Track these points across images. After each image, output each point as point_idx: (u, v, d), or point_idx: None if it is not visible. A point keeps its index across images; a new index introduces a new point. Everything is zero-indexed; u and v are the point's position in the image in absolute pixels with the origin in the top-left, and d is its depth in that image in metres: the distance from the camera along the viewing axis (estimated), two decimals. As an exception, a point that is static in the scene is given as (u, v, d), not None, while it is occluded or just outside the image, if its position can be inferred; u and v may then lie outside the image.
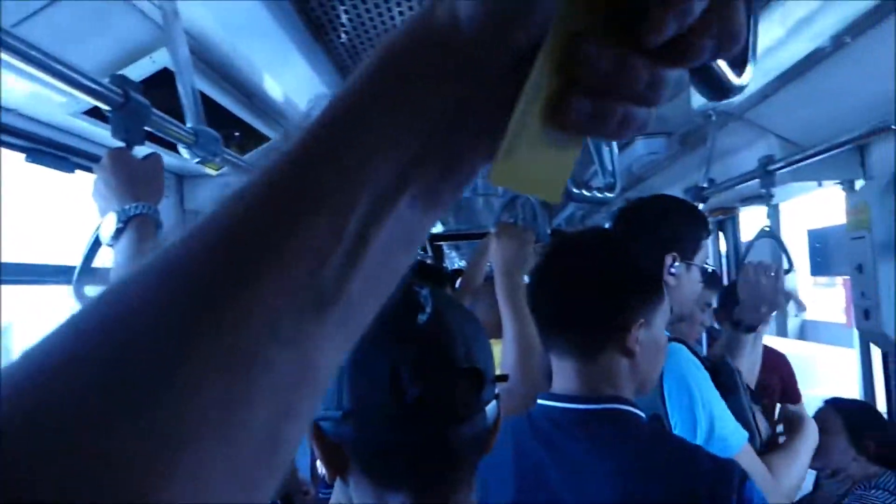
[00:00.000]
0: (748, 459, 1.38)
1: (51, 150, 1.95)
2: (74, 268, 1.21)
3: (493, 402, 0.80)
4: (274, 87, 2.25)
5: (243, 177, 0.31)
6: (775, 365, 2.88)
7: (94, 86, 1.07)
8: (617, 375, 1.12)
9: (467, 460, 0.78)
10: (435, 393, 0.70)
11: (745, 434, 1.42)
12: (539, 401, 1.18)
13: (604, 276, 1.13)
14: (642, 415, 1.12)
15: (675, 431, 1.41)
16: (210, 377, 0.25)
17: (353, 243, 0.30)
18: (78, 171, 2.11)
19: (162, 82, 1.77)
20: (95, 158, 2.13)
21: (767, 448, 1.64)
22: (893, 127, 1.48)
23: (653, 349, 1.16)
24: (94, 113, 1.79)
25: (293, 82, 2.05)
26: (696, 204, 1.84)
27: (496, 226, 1.92)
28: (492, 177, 0.31)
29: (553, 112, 0.31)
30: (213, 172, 2.36)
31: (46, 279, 1.85)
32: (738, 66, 0.35)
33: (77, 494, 0.22)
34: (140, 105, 1.14)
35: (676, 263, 1.63)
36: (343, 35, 1.81)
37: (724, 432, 1.39)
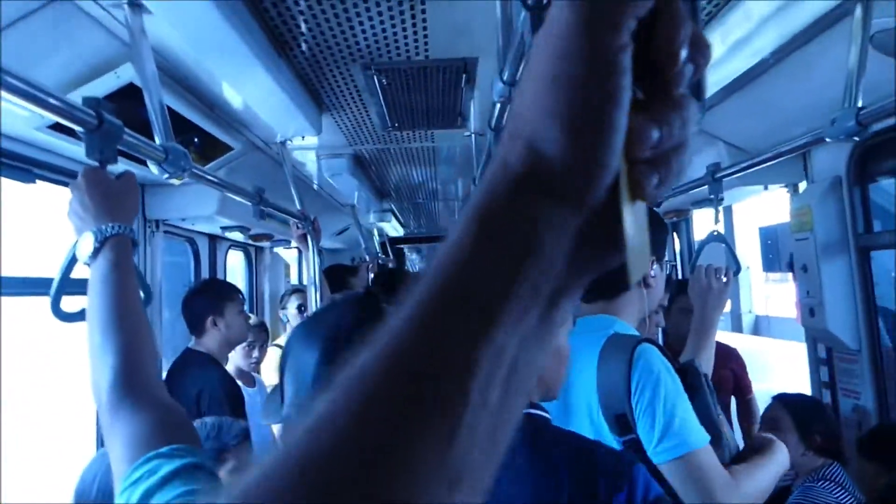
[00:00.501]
0: (706, 458, 1.45)
1: (11, 161, 1.96)
2: (51, 280, 1.24)
3: None
4: (235, 98, 2.28)
5: (360, 354, 0.31)
6: (727, 359, 3.02)
7: (68, 108, 1.10)
8: None
9: None
10: None
11: (707, 437, 1.47)
12: None
13: None
14: (548, 416, 1.21)
15: (638, 429, 1.48)
16: None
17: (475, 413, 0.30)
18: (39, 182, 2.12)
19: (123, 95, 1.80)
20: (58, 170, 2.15)
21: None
22: (828, 140, 1.58)
23: (556, 358, 1.25)
24: (57, 126, 1.81)
25: (255, 92, 2.08)
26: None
27: None
28: (631, 280, 0.34)
29: (635, 194, 0.33)
30: (176, 183, 2.38)
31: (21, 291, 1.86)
32: (694, 93, 0.41)
33: None
34: (114, 126, 1.17)
35: (654, 266, 1.70)
36: (303, 44, 1.84)
37: (683, 431, 1.45)
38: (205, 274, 3.75)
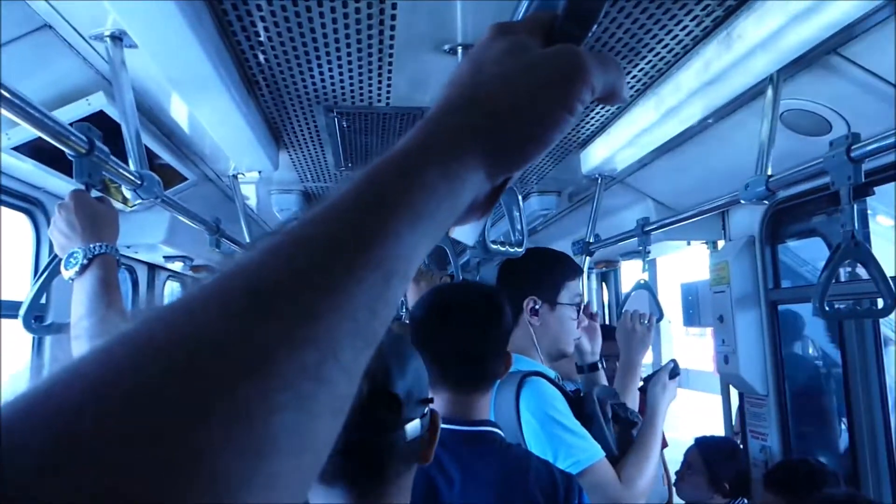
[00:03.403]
0: (603, 471, 1.62)
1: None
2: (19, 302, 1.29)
3: (418, 420, 0.98)
4: (197, 130, 2.35)
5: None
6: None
7: (64, 132, 1.18)
8: None
9: (391, 465, 0.95)
10: (360, 411, 0.89)
11: (600, 451, 1.64)
12: None
13: None
14: (503, 434, 1.38)
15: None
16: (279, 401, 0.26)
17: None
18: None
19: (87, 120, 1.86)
20: (5, 191, 2.17)
21: None
22: (742, 202, 1.78)
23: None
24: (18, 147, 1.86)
25: (221, 127, 2.14)
26: (564, 253, 2.05)
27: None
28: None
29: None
30: (127, 209, 2.45)
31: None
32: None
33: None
34: (102, 152, 1.25)
35: (537, 306, 1.87)
36: (272, 84, 1.94)
37: (575, 449, 1.61)
38: (143, 304, 3.72)
